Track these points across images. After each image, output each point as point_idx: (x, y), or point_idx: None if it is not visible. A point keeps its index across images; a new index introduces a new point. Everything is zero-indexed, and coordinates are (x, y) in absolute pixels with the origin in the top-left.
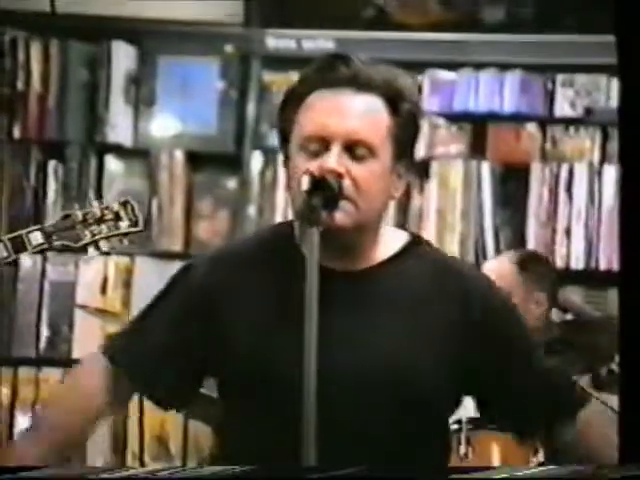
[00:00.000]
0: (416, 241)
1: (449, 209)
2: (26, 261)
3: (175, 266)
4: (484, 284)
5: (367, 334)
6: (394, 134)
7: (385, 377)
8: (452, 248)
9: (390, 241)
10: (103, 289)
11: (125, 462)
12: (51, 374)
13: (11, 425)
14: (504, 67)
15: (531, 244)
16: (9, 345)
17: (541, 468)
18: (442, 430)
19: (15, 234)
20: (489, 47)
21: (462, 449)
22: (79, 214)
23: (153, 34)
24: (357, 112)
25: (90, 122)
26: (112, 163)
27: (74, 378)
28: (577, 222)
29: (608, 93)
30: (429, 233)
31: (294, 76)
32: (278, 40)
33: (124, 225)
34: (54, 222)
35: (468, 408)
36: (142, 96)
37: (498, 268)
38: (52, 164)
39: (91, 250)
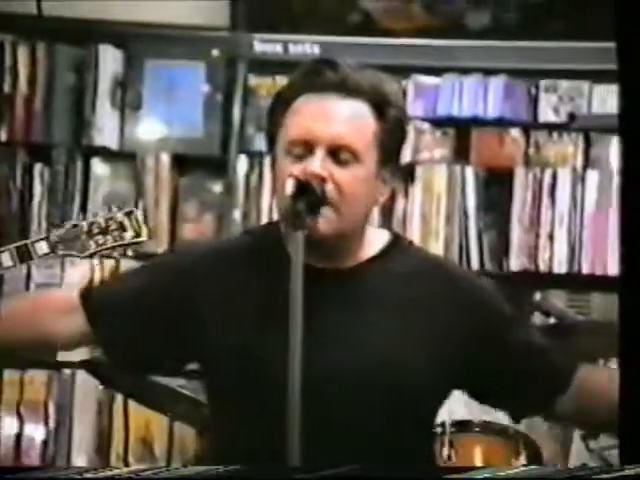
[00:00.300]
0: (398, 239)
1: (433, 214)
2: (11, 263)
3: None
4: (469, 278)
5: (355, 331)
6: (380, 139)
7: (374, 374)
8: (436, 252)
9: (374, 240)
10: None
11: (109, 463)
12: (36, 376)
13: None
14: (488, 72)
15: (514, 248)
16: None
17: (523, 468)
18: (429, 427)
19: (20, 243)
20: (473, 52)
21: (445, 451)
22: (85, 225)
23: (140, 38)
24: (343, 117)
25: (76, 125)
26: (98, 166)
27: (41, 293)
28: (560, 227)
29: (591, 99)
30: (413, 237)
31: (280, 80)
32: (264, 44)
33: (129, 235)
34: (60, 232)
35: (452, 411)
36: (128, 99)
37: None
38: (38, 167)
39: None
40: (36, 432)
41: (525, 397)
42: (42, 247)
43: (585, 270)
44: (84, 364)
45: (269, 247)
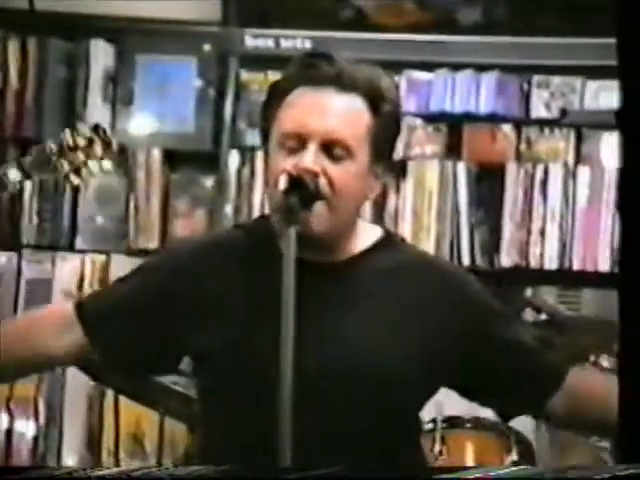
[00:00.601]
0: (390, 235)
1: (425, 209)
2: (1, 259)
3: None
4: (460, 275)
5: (346, 326)
6: (373, 135)
7: (364, 369)
8: (427, 248)
9: (366, 234)
10: (79, 287)
11: (100, 459)
12: None
13: None
14: (480, 68)
15: (505, 244)
16: None
17: (513, 468)
18: (417, 422)
19: None
20: (465, 48)
21: (437, 447)
22: (53, 146)
23: (131, 32)
24: (337, 111)
25: (67, 120)
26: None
27: (37, 311)
28: (551, 223)
29: (583, 95)
30: (405, 233)
31: (272, 75)
32: (256, 39)
33: (98, 148)
34: (29, 157)
35: (442, 407)
36: (120, 94)
37: None
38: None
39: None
40: (26, 429)
41: (515, 396)
42: (14, 174)
43: (576, 266)
44: None
45: (260, 241)
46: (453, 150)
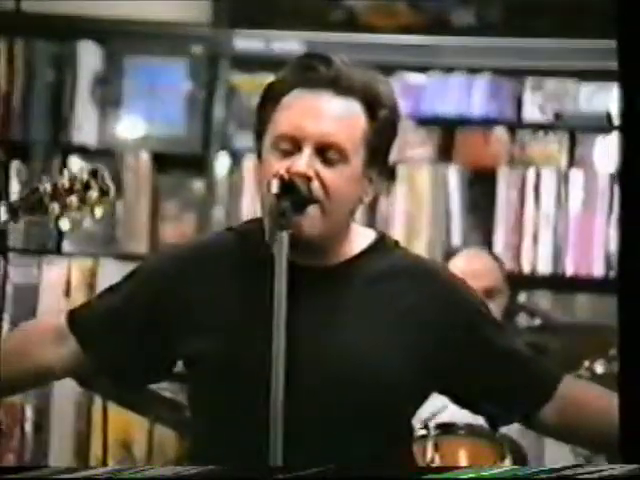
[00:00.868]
0: (384, 238)
1: (417, 212)
2: None
3: None
4: (454, 282)
5: (337, 331)
6: (369, 139)
7: (357, 373)
8: (419, 251)
9: (359, 238)
10: (67, 291)
11: (88, 466)
12: None
13: None
14: (473, 71)
15: (499, 248)
16: None
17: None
18: (409, 427)
19: None
20: (458, 50)
21: (429, 454)
22: (47, 187)
23: (120, 34)
24: (333, 115)
25: (55, 122)
26: (76, 164)
27: (31, 325)
28: (544, 226)
29: (577, 98)
30: (396, 237)
31: (262, 77)
32: (246, 41)
33: (94, 195)
34: (20, 197)
35: (435, 412)
36: (108, 97)
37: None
38: (15, 164)
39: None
40: (13, 435)
41: (506, 404)
42: (2, 213)
43: (570, 271)
44: None
45: (253, 244)
46: (445, 153)
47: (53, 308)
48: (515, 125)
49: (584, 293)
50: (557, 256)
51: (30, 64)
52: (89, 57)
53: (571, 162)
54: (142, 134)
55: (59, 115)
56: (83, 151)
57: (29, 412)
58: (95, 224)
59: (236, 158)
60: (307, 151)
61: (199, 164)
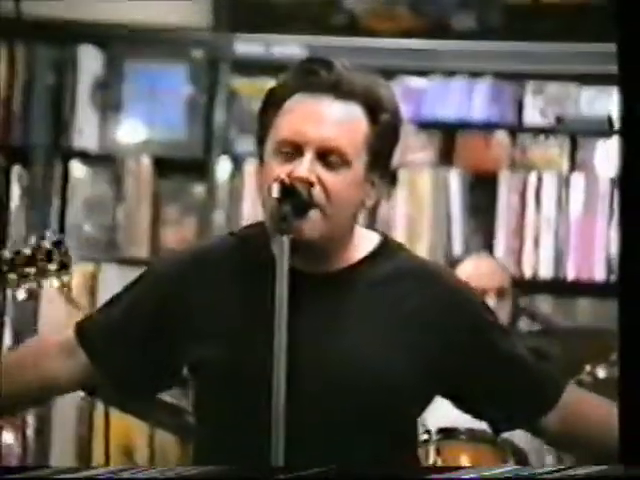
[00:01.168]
0: (387, 242)
1: (418, 216)
2: None
3: None
4: (459, 285)
5: (341, 336)
6: (370, 143)
7: (360, 377)
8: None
9: (362, 243)
10: (68, 297)
11: None
12: None
13: None
14: (474, 75)
15: (500, 252)
16: None
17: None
18: (413, 431)
19: None
20: (459, 54)
21: (431, 459)
22: (7, 254)
23: (120, 39)
24: (335, 119)
25: (56, 127)
26: (77, 169)
27: (38, 340)
28: (546, 230)
29: (578, 102)
30: (397, 240)
31: (263, 82)
32: (247, 45)
33: (53, 268)
34: None
35: (438, 417)
36: (109, 101)
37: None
38: (16, 169)
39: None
40: (15, 441)
41: (509, 410)
42: None
43: (571, 275)
44: None
45: (254, 249)
46: (446, 157)
47: (54, 312)
48: (516, 129)
49: (585, 297)
50: (558, 260)
51: (31, 68)
52: (90, 61)
53: (572, 166)
54: (143, 138)
55: (60, 120)
56: (84, 156)
57: (31, 418)
58: (95, 229)
59: (237, 162)
60: (308, 156)
61: (200, 168)
